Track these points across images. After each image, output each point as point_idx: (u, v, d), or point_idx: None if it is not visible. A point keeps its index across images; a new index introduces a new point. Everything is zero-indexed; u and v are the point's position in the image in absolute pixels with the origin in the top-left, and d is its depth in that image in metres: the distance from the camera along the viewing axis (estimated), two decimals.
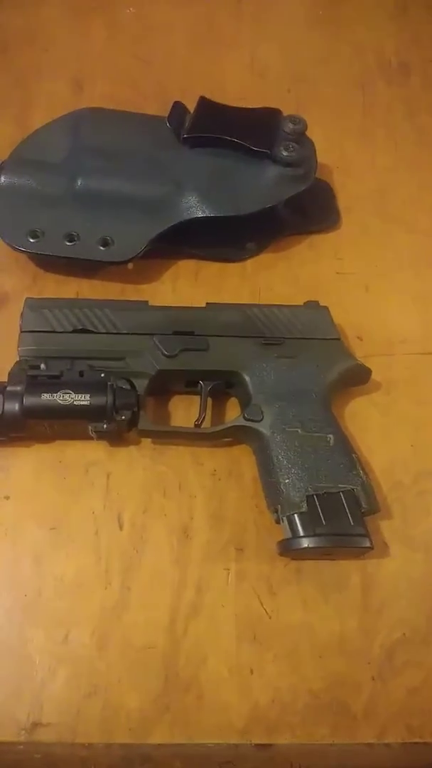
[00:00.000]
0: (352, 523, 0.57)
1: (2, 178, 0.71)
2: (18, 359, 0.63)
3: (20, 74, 0.89)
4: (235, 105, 0.78)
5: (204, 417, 0.64)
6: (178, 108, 0.76)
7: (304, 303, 0.70)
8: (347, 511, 0.58)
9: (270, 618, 0.59)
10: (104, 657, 0.57)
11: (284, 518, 0.59)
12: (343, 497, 0.58)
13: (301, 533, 0.57)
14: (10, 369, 0.62)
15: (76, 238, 0.70)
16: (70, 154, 0.73)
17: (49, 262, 0.73)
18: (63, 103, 0.83)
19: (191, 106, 0.77)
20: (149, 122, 0.76)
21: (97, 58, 0.92)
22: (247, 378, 0.64)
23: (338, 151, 0.85)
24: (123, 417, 0.60)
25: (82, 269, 0.73)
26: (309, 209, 0.79)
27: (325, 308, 0.69)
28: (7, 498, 0.62)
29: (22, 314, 0.65)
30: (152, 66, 0.91)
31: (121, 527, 0.62)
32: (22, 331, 0.64)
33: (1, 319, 0.70)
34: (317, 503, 0.58)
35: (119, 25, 0.95)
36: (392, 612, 0.60)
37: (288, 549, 0.58)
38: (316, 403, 0.63)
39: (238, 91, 0.88)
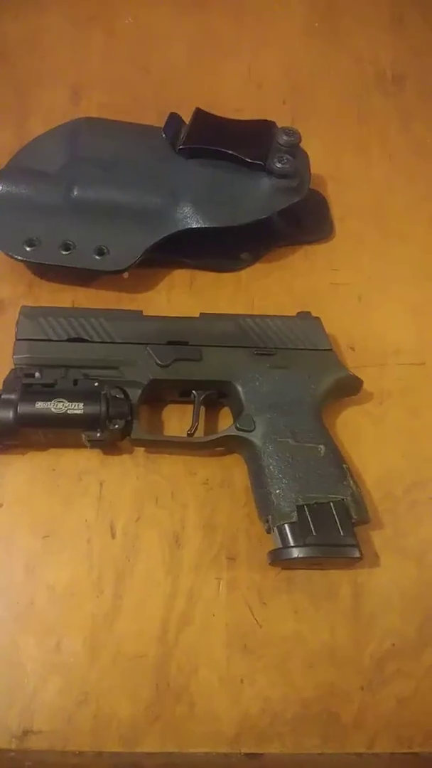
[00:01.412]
0: (342, 534, 0.58)
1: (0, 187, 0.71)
2: (13, 367, 0.63)
3: (19, 83, 0.90)
4: (232, 115, 0.79)
5: (197, 426, 0.64)
6: (174, 119, 0.76)
7: (297, 314, 0.70)
8: (337, 521, 0.58)
9: (261, 627, 0.59)
10: (96, 665, 0.57)
11: (275, 528, 0.59)
12: (333, 507, 0.59)
13: (292, 543, 0.57)
14: (4, 377, 0.62)
15: (72, 247, 0.70)
16: (67, 164, 0.73)
17: (45, 271, 0.74)
18: (61, 112, 0.84)
19: (189, 116, 0.78)
20: (145, 132, 0.77)
21: (95, 67, 0.92)
22: (239, 388, 0.64)
23: (334, 162, 0.85)
24: (116, 426, 0.61)
25: (78, 278, 0.74)
26: (303, 220, 0.79)
27: (318, 319, 0.69)
28: (0, 505, 0.62)
29: (17, 322, 0.65)
30: (150, 75, 0.92)
31: (113, 536, 0.62)
32: (17, 339, 0.64)
33: None
34: (307, 513, 0.58)
35: (118, 34, 0.96)
36: (382, 622, 0.60)
37: (278, 559, 0.59)
38: (307, 414, 0.63)
39: (236, 101, 0.89)
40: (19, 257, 0.70)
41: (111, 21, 0.97)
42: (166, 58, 0.94)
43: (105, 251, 0.70)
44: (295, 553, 0.57)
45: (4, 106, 0.87)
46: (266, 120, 0.76)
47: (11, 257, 0.71)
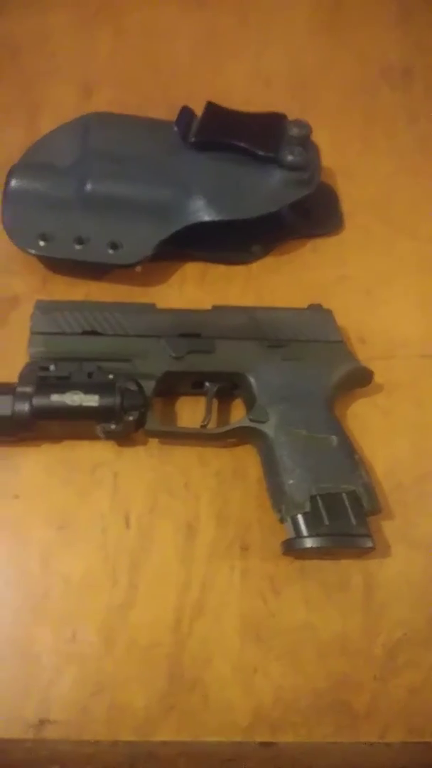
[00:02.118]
0: (354, 524, 0.58)
1: (12, 182, 0.72)
2: (28, 360, 0.64)
3: (29, 80, 0.90)
4: (240, 108, 0.79)
5: (210, 418, 0.65)
6: (185, 112, 0.76)
7: (308, 306, 0.70)
8: (350, 511, 0.59)
9: (274, 617, 0.60)
10: (111, 655, 0.58)
11: (288, 518, 0.59)
12: (345, 498, 0.59)
13: (305, 533, 0.58)
14: (20, 370, 0.63)
15: (85, 241, 0.71)
16: (79, 158, 0.74)
17: (58, 265, 0.74)
18: (71, 108, 0.84)
19: (198, 111, 0.78)
20: (157, 126, 0.77)
21: (104, 63, 0.92)
22: (252, 380, 0.65)
23: (341, 156, 0.86)
24: (131, 418, 0.61)
25: (92, 272, 0.74)
26: (313, 213, 0.79)
27: (329, 311, 0.70)
28: (16, 497, 0.63)
29: (32, 316, 0.66)
30: (159, 72, 0.92)
31: (128, 526, 0.62)
32: (32, 333, 0.65)
33: (12, 321, 0.71)
34: (320, 504, 0.59)
35: (126, 31, 0.96)
36: (393, 612, 0.60)
37: (291, 548, 0.59)
38: (319, 405, 0.64)
39: (243, 96, 0.88)
40: (33, 252, 0.71)
41: (119, 18, 0.97)
42: (174, 55, 0.94)
43: (118, 245, 0.71)
44: (309, 543, 0.58)
45: (15, 103, 0.88)
46: (277, 112, 0.76)
47: (25, 252, 0.71)
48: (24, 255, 0.72)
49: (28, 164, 0.74)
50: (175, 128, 0.75)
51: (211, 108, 0.77)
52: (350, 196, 0.83)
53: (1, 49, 0.93)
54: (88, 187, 0.71)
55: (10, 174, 0.72)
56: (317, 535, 0.58)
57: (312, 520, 0.58)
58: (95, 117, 0.78)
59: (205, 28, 0.97)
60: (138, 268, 0.72)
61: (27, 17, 0.96)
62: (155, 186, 0.72)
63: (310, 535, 0.58)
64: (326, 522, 0.58)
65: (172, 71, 0.93)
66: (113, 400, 0.60)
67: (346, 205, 0.83)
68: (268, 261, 0.78)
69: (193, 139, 0.74)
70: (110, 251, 0.71)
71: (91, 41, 0.95)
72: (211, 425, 0.65)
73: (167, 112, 0.78)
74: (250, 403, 0.65)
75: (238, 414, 0.68)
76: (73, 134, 0.76)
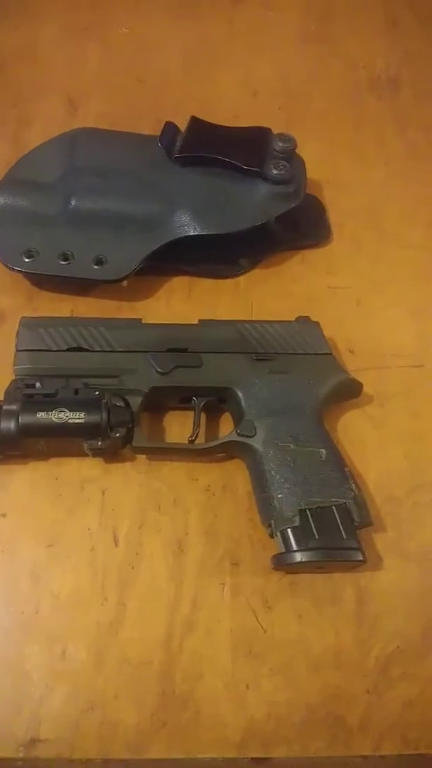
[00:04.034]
0: (344, 537, 0.58)
1: None
2: (14, 378, 0.64)
3: (16, 93, 0.90)
4: (228, 122, 0.80)
5: (198, 433, 0.65)
6: (169, 128, 0.77)
7: (296, 318, 0.70)
8: (340, 524, 0.58)
9: (265, 632, 0.59)
10: (101, 673, 0.57)
11: (278, 533, 0.59)
12: (335, 511, 0.59)
13: (295, 547, 0.58)
14: (5, 388, 0.63)
15: (70, 257, 0.71)
16: (64, 174, 0.74)
17: (44, 281, 0.74)
18: (58, 122, 0.85)
19: (185, 124, 0.78)
20: (142, 142, 0.77)
21: (92, 77, 0.93)
22: (240, 394, 0.64)
23: (330, 166, 0.86)
24: (118, 434, 0.61)
25: (77, 287, 0.74)
26: (301, 225, 0.80)
27: (316, 323, 0.69)
28: (3, 515, 0.63)
29: (17, 333, 0.66)
30: (146, 84, 0.93)
31: (116, 543, 0.62)
32: (17, 350, 0.65)
33: None
34: (310, 517, 0.58)
35: (114, 44, 0.96)
36: (387, 625, 0.60)
37: (282, 563, 0.59)
38: (308, 418, 0.64)
39: (232, 107, 0.89)
40: (18, 268, 0.71)
41: (106, 31, 0.98)
42: (162, 67, 0.94)
43: (103, 260, 0.71)
44: (298, 557, 0.57)
45: (2, 116, 0.88)
46: (261, 127, 0.76)
47: (10, 268, 0.71)
48: (9, 271, 0.72)
49: (13, 180, 0.74)
50: (159, 143, 0.75)
51: (195, 123, 0.77)
52: (339, 206, 0.84)
53: None
54: (73, 202, 0.72)
55: None
56: (307, 549, 0.57)
57: (301, 534, 0.58)
58: (81, 132, 0.78)
59: (194, 40, 0.98)
60: (124, 283, 0.72)
61: (14, 30, 0.96)
62: (141, 201, 0.73)
63: (299, 549, 0.57)
64: (316, 536, 0.58)
65: (161, 83, 0.93)
66: (100, 417, 0.60)
67: (335, 215, 0.83)
68: (256, 274, 0.78)
69: (177, 155, 0.74)
70: (95, 267, 0.71)
71: (79, 54, 0.95)
72: (200, 440, 0.65)
73: (155, 125, 0.78)
74: (239, 418, 0.64)
75: (226, 428, 0.68)
76: (59, 150, 0.76)
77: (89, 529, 0.62)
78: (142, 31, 0.98)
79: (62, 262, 0.71)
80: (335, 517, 0.59)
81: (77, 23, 0.98)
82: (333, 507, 0.59)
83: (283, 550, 0.58)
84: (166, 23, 0.99)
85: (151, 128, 0.79)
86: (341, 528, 0.58)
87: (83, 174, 0.74)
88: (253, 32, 0.99)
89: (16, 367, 0.64)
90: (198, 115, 0.78)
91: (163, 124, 0.77)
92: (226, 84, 0.94)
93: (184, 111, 0.79)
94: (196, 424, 0.65)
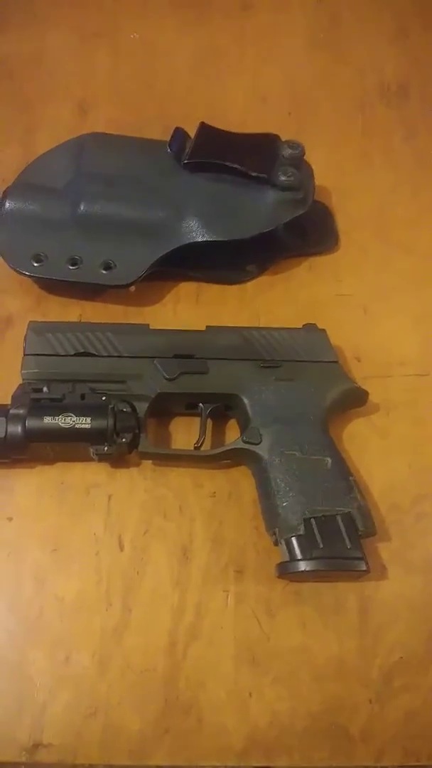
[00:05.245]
0: (348, 546, 0.58)
1: (7, 204, 0.72)
2: (21, 382, 0.64)
3: (26, 99, 0.91)
4: (237, 128, 0.79)
5: (203, 439, 0.65)
6: (178, 134, 0.77)
7: (303, 326, 0.70)
8: (344, 534, 0.58)
9: (269, 640, 0.59)
10: (105, 679, 0.57)
11: (282, 541, 0.59)
12: (340, 520, 0.59)
13: (299, 556, 0.58)
14: (13, 392, 0.63)
15: (79, 262, 0.71)
16: (73, 179, 0.74)
17: (52, 285, 0.74)
18: (68, 127, 0.85)
19: (194, 130, 0.78)
20: (151, 147, 0.77)
21: (101, 82, 0.93)
22: (246, 401, 0.64)
23: (338, 173, 0.86)
24: (124, 439, 0.61)
25: (85, 292, 0.74)
26: (308, 232, 0.80)
27: (323, 331, 0.69)
28: (9, 519, 0.63)
29: (25, 337, 0.66)
30: (155, 90, 0.93)
31: (121, 549, 0.62)
32: (25, 354, 0.65)
33: (5, 342, 0.71)
34: (314, 526, 0.58)
35: (123, 50, 0.97)
36: (390, 635, 0.60)
37: (286, 572, 0.59)
38: (314, 426, 0.64)
39: (240, 114, 0.89)
40: (27, 273, 0.71)
41: (116, 37, 0.98)
42: (171, 73, 0.94)
43: (112, 266, 0.71)
44: (302, 566, 0.57)
45: (11, 122, 0.88)
46: (270, 133, 0.76)
47: (19, 273, 0.71)
48: (18, 275, 0.72)
49: (23, 186, 0.74)
50: (169, 149, 0.75)
51: (204, 129, 0.77)
52: (347, 214, 0.84)
53: None
54: (82, 207, 0.72)
55: (5, 195, 0.73)
56: (311, 559, 0.57)
57: (306, 543, 0.58)
58: (90, 138, 0.78)
59: (202, 47, 0.98)
60: (132, 288, 0.72)
61: (25, 37, 0.96)
62: (149, 207, 0.73)
63: (303, 558, 0.57)
64: (320, 545, 0.58)
65: (170, 90, 0.93)
66: (106, 422, 0.60)
67: (343, 222, 0.83)
68: (263, 280, 0.78)
69: (186, 160, 0.74)
70: (103, 272, 0.71)
71: (88, 60, 0.95)
72: (205, 446, 0.65)
73: (164, 131, 0.78)
74: (244, 425, 0.64)
75: (233, 435, 0.68)
76: (68, 155, 0.76)
77: (94, 534, 0.63)
78: (152, 36, 0.98)
79: (71, 267, 0.71)
80: (340, 527, 0.59)
81: (87, 29, 0.98)
82: (337, 516, 0.59)
83: (288, 558, 0.58)
84: (176, 29, 0.99)
85: (160, 134, 0.79)
86: (345, 537, 0.58)
87: (92, 179, 0.74)
88: (261, 38, 0.99)
89: (23, 371, 0.64)
90: (207, 121, 0.78)
91: (172, 130, 0.78)
92: (235, 90, 0.94)
93: (193, 117, 0.79)
94: (202, 431, 0.65)
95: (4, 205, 0.72)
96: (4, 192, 0.73)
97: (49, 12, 1.00)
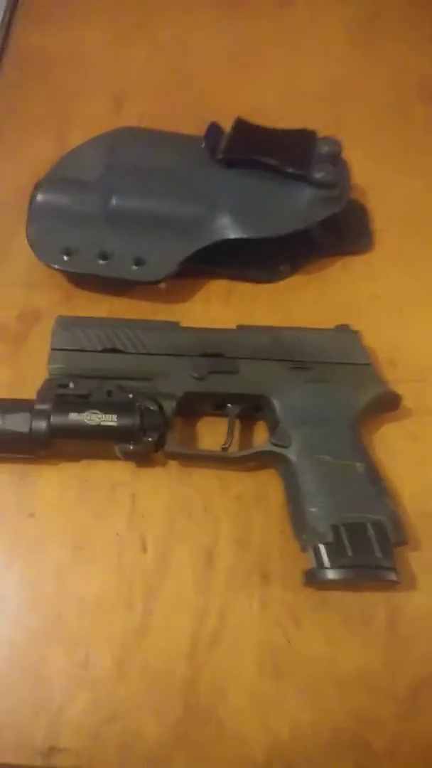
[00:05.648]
0: (379, 556, 0.56)
1: (38, 196, 0.72)
2: (47, 377, 0.63)
3: (62, 93, 0.91)
4: (272, 125, 0.78)
5: (231, 441, 0.63)
6: (214, 128, 0.76)
7: (335, 327, 0.69)
8: (374, 542, 0.56)
9: (293, 649, 0.58)
10: (123, 682, 0.56)
11: (310, 548, 0.58)
12: (370, 528, 0.57)
13: (327, 564, 0.56)
14: (39, 387, 0.62)
15: (109, 257, 0.70)
16: (106, 173, 0.73)
17: (82, 280, 0.73)
18: (103, 122, 0.84)
19: (229, 125, 0.77)
20: (185, 142, 0.76)
21: (137, 77, 0.93)
22: (275, 402, 0.63)
23: (373, 172, 0.84)
24: (150, 438, 0.60)
25: (115, 287, 0.73)
26: (343, 231, 0.78)
27: (356, 333, 0.68)
28: (31, 515, 0.62)
29: (52, 332, 0.65)
30: (191, 85, 0.92)
31: (144, 550, 0.61)
32: (52, 349, 0.64)
33: (33, 336, 0.71)
34: (344, 534, 0.57)
35: (159, 44, 0.96)
36: (419, 648, 0.58)
37: (313, 580, 0.57)
38: (345, 430, 0.62)
39: (276, 109, 0.88)
40: (57, 266, 0.70)
41: (152, 31, 0.98)
42: (207, 68, 0.94)
43: (142, 261, 0.70)
44: (330, 574, 0.56)
45: (47, 116, 0.88)
46: (307, 129, 0.75)
47: (49, 266, 0.71)
48: (47, 269, 0.71)
49: (54, 179, 0.74)
50: (203, 144, 0.74)
51: (240, 124, 0.76)
52: (382, 213, 0.82)
53: (34, 64, 0.94)
54: (113, 202, 0.71)
55: (36, 188, 0.72)
56: (340, 567, 0.56)
57: (335, 550, 0.56)
58: (123, 131, 0.78)
59: (239, 41, 0.97)
60: (162, 285, 0.71)
61: (61, 32, 0.97)
62: (181, 202, 0.72)
63: (332, 567, 0.56)
64: (350, 553, 0.56)
65: (205, 85, 0.92)
66: (132, 421, 0.59)
67: (378, 222, 0.81)
68: (296, 279, 0.77)
69: (221, 156, 0.73)
70: (134, 267, 0.70)
71: (124, 55, 0.95)
72: (233, 448, 0.64)
73: (199, 126, 0.77)
74: (273, 427, 0.63)
75: (261, 436, 0.66)
76: (101, 149, 0.76)
77: (117, 533, 0.61)
78: (188, 30, 0.98)
79: (101, 261, 0.70)
80: (370, 535, 0.57)
81: (123, 23, 0.98)
82: (368, 523, 0.57)
83: (315, 565, 0.57)
84: (212, 23, 0.99)
85: (195, 129, 0.78)
86: (376, 546, 0.56)
87: (124, 173, 0.73)
88: (299, 34, 0.98)
89: (50, 366, 0.63)
90: (242, 116, 0.77)
91: (207, 125, 0.76)
92: (272, 86, 0.93)
93: (229, 112, 0.78)
94: (230, 432, 0.63)
95: (35, 198, 0.72)
96: (36, 184, 0.73)
97: (86, 7, 1.00)
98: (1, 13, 0.96)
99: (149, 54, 0.95)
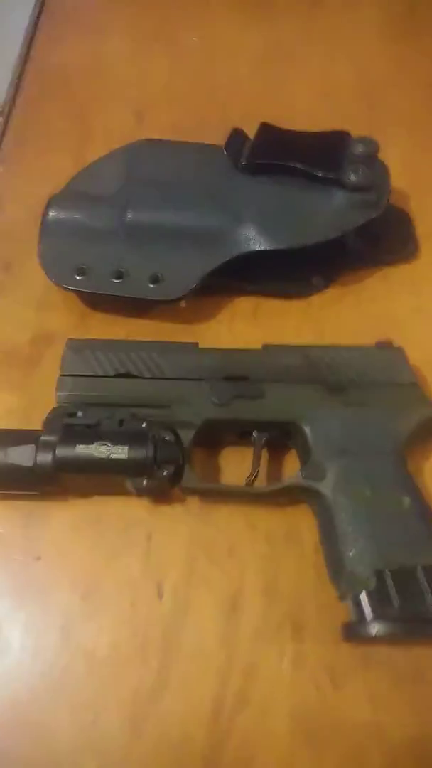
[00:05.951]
0: (431, 606, 0.49)
1: (50, 213, 0.69)
2: (55, 405, 0.59)
3: (82, 106, 0.89)
4: (304, 127, 0.73)
5: (257, 473, 0.58)
6: (236, 134, 0.72)
7: (376, 343, 0.63)
8: (425, 590, 0.50)
9: (331, 714, 0.51)
10: (137, 748, 0.51)
11: (349, 597, 0.52)
12: (420, 573, 0.51)
13: (369, 617, 0.50)
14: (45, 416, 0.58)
15: (124, 275, 0.66)
16: (122, 187, 0.70)
17: (97, 301, 0.70)
18: (123, 135, 0.81)
19: (254, 132, 0.73)
20: (207, 151, 0.72)
21: (159, 87, 0.91)
22: (307, 429, 0.57)
23: (415, 175, 0.79)
24: (165, 472, 0.55)
25: (133, 308, 0.69)
26: (382, 238, 0.73)
27: (400, 349, 0.62)
28: (38, 558, 0.57)
29: (62, 356, 0.61)
30: (216, 92, 0.90)
31: (160, 597, 0.56)
32: (61, 375, 0.60)
33: (46, 360, 0.67)
34: (389, 580, 0.51)
35: (183, 53, 0.94)
36: None
37: (353, 634, 0.51)
38: (387, 459, 0.56)
39: (307, 112, 0.85)
40: (68, 287, 0.67)
41: (174, 40, 0.96)
42: (233, 75, 0.92)
43: (159, 278, 0.66)
44: (373, 629, 0.49)
45: (66, 130, 0.86)
46: (339, 131, 0.70)
47: (60, 287, 0.67)
48: (61, 290, 0.68)
49: (68, 194, 0.71)
50: (225, 152, 0.70)
51: (265, 129, 0.72)
52: (426, 219, 0.77)
53: (54, 76, 0.93)
54: (129, 216, 0.67)
55: (48, 205, 0.70)
56: (385, 620, 0.50)
57: (378, 600, 0.50)
58: (142, 144, 0.75)
59: (267, 43, 0.95)
60: (182, 303, 0.67)
61: (81, 45, 0.96)
62: (202, 213, 0.67)
63: (376, 619, 0.50)
64: (396, 603, 0.50)
65: (231, 90, 0.90)
66: (145, 452, 0.54)
67: (422, 227, 0.76)
68: (331, 293, 0.72)
69: (244, 163, 0.69)
70: (151, 285, 0.66)
71: (145, 66, 0.94)
72: (260, 482, 0.59)
73: (224, 136, 0.74)
74: (305, 457, 0.58)
75: (292, 467, 0.61)
76: (118, 162, 0.73)
77: (131, 579, 0.56)
78: (213, 37, 0.96)
79: (115, 280, 0.66)
80: (421, 581, 0.51)
81: (145, 32, 0.97)
82: (418, 568, 0.51)
83: (356, 618, 0.51)
84: (237, 29, 0.97)
85: (221, 138, 0.74)
86: (428, 594, 0.50)
87: (142, 186, 0.70)
88: (331, 34, 0.96)
89: (58, 393, 0.59)
90: (271, 122, 0.73)
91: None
92: (303, 89, 0.90)
93: (256, 118, 0.74)
94: (256, 464, 0.58)
95: (47, 215, 0.69)
96: (48, 201, 0.70)
97: (105, 19, 1.00)
98: (23, 31, 0.95)
99: (171, 63, 0.93)
